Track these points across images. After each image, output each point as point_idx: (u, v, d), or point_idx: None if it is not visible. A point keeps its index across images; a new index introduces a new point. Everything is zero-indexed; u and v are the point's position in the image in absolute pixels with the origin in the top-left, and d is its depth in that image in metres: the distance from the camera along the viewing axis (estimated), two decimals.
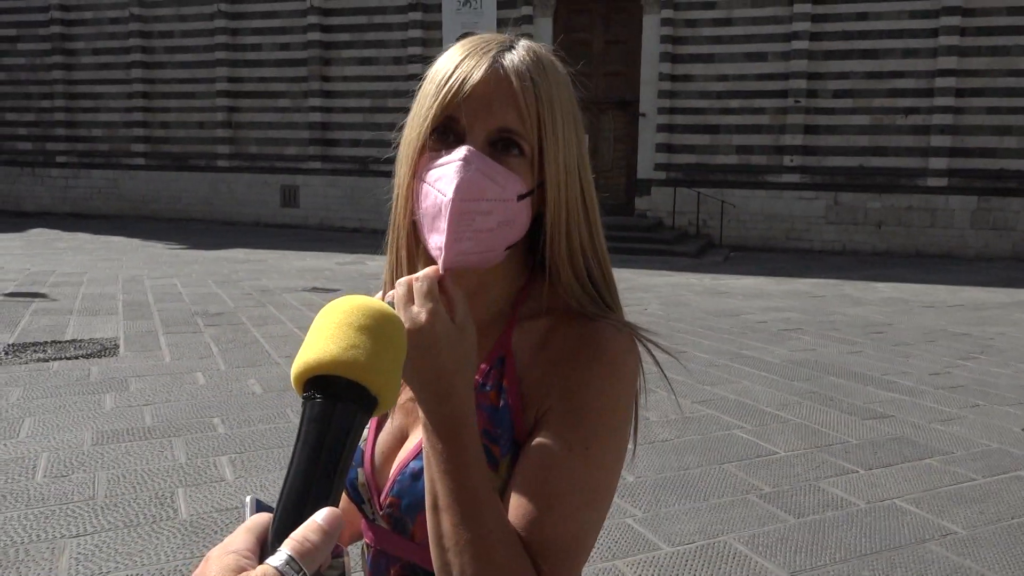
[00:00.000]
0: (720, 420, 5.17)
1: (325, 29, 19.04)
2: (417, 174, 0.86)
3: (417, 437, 0.89)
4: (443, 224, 0.81)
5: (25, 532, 3.38)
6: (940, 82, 15.60)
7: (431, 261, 0.89)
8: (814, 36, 16.19)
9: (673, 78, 17.01)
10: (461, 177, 0.80)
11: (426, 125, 0.84)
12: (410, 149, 0.87)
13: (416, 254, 0.91)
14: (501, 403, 0.86)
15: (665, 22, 16.82)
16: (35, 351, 6.63)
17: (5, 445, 4.40)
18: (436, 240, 0.83)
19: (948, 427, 5.15)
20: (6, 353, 6.52)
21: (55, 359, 6.37)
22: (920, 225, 16.05)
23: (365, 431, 0.93)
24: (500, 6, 17.65)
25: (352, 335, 0.67)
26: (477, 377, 0.88)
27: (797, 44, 16.18)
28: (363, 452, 0.94)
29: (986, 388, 6.15)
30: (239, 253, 14.32)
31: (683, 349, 7.24)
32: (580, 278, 0.89)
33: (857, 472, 4.32)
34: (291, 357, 6.56)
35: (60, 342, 6.98)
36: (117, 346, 6.88)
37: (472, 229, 0.82)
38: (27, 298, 9.15)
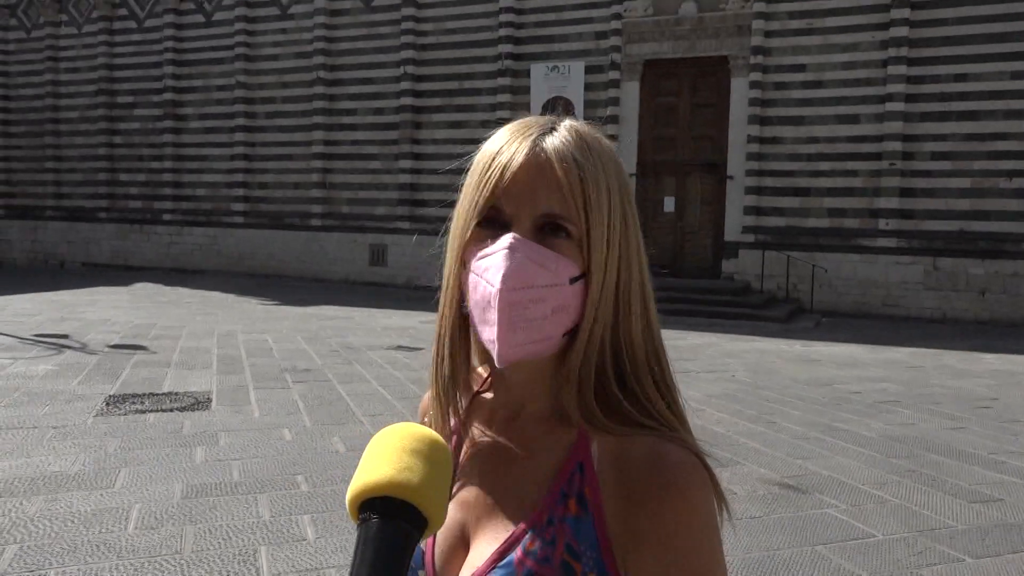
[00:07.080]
0: (812, 498, 4.94)
1: (417, 94, 19.71)
2: (465, 264, 0.84)
3: (484, 542, 0.83)
4: (494, 316, 0.78)
5: None
6: None
7: (485, 353, 0.88)
8: (909, 98, 15.81)
9: (761, 140, 16.84)
10: (508, 265, 0.77)
11: (472, 216, 0.83)
12: (457, 240, 0.85)
13: (466, 346, 0.89)
14: (584, 515, 0.80)
15: (754, 85, 16.74)
16: (133, 403, 6.91)
17: (102, 495, 4.56)
18: (488, 333, 0.80)
19: None
20: (107, 404, 6.81)
21: (152, 411, 6.62)
22: None
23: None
24: (588, 71, 17.93)
25: (405, 459, 0.71)
26: (555, 486, 0.82)
27: (891, 106, 15.82)
28: (423, 551, 0.88)
29: None
30: (328, 310, 14.70)
31: (772, 420, 6.99)
32: (639, 374, 0.84)
33: (964, 561, 4.03)
34: (375, 416, 6.66)
35: (157, 394, 7.26)
36: (210, 400, 7.11)
37: (525, 319, 0.79)
38: (129, 350, 9.58)
